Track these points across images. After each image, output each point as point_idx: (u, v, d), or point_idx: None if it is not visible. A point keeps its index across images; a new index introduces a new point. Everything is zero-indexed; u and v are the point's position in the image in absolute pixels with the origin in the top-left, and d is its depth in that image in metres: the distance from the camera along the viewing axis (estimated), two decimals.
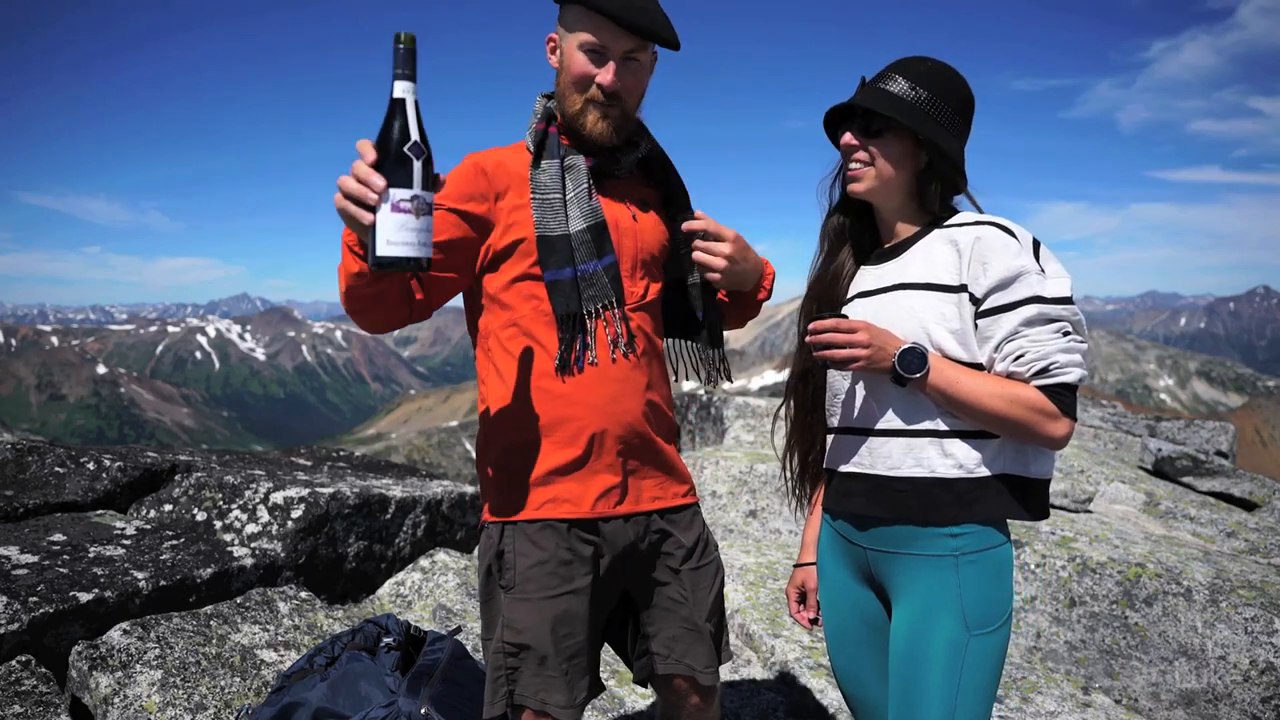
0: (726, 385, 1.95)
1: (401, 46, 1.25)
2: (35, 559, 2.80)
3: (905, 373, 1.44)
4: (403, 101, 1.26)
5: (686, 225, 1.70)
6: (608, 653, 1.87)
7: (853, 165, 1.58)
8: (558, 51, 1.65)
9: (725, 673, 3.00)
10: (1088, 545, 3.19)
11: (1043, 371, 1.43)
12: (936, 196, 1.57)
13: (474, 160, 1.66)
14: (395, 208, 1.25)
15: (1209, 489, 4.38)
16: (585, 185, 1.64)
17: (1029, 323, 1.43)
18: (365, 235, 1.29)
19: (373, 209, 1.26)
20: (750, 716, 2.74)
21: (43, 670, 2.40)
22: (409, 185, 1.26)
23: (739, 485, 4.44)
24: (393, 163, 1.26)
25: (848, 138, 1.57)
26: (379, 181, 1.24)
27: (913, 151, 1.54)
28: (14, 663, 2.36)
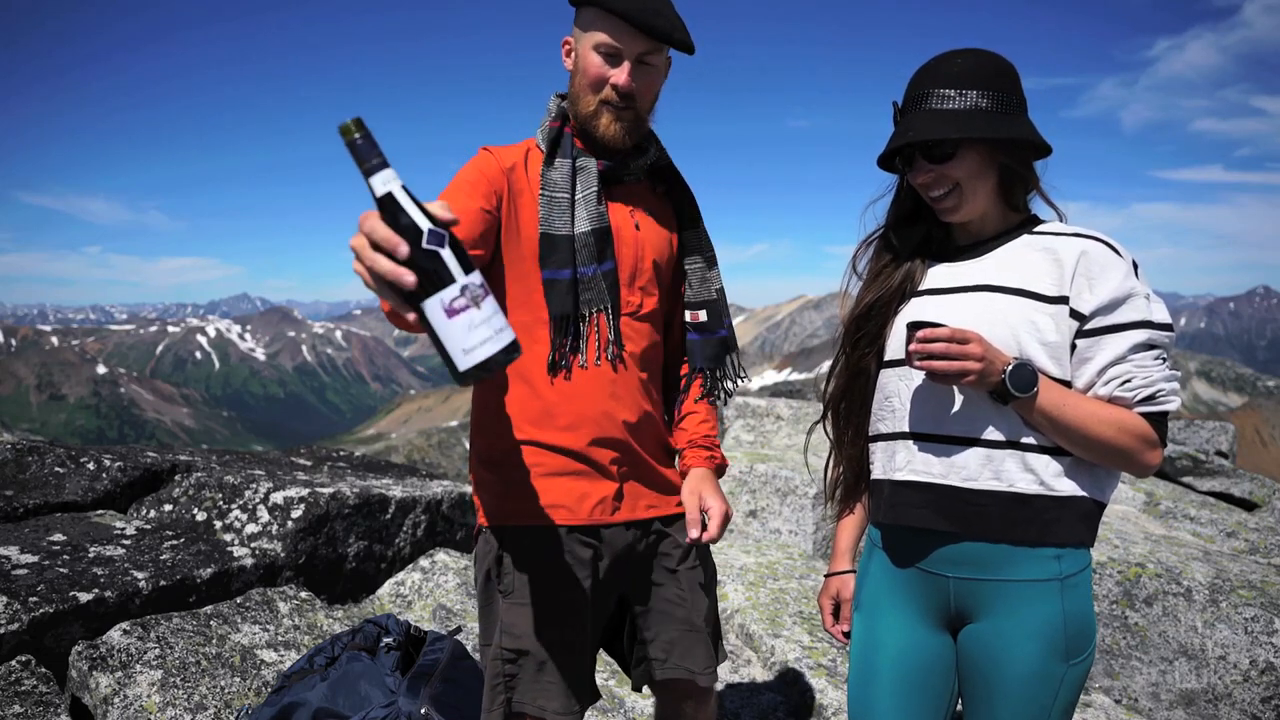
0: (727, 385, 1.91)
1: (358, 137, 1.01)
2: (35, 559, 2.80)
3: (1017, 391, 1.34)
4: (390, 195, 1.02)
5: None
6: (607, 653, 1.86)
7: (938, 199, 1.47)
8: (573, 54, 1.64)
9: (725, 673, 3.00)
10: None
11: (1149, 399, 1.37)
12: (1023, 191, 1.49)
13: (490, 150, 1.65)
14: (450, 312, 1.02)
15: (1209, 489, 4.38)
16: (595, 189, 1.63)
17: (1137, 348, 1.37)
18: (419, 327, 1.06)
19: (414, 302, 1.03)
20: (750, 716, 2.73)
21: (43, 670, 2.40)
22: (449, 281, 1.02)
23: (739, 485, 4.44)
24: (419, 266, 1.01)
25: (922, 178, 1.46)
26: (409, 279, 1.00)
27: (988, 155, 1.44)
28: (14, 663, 2.36)
